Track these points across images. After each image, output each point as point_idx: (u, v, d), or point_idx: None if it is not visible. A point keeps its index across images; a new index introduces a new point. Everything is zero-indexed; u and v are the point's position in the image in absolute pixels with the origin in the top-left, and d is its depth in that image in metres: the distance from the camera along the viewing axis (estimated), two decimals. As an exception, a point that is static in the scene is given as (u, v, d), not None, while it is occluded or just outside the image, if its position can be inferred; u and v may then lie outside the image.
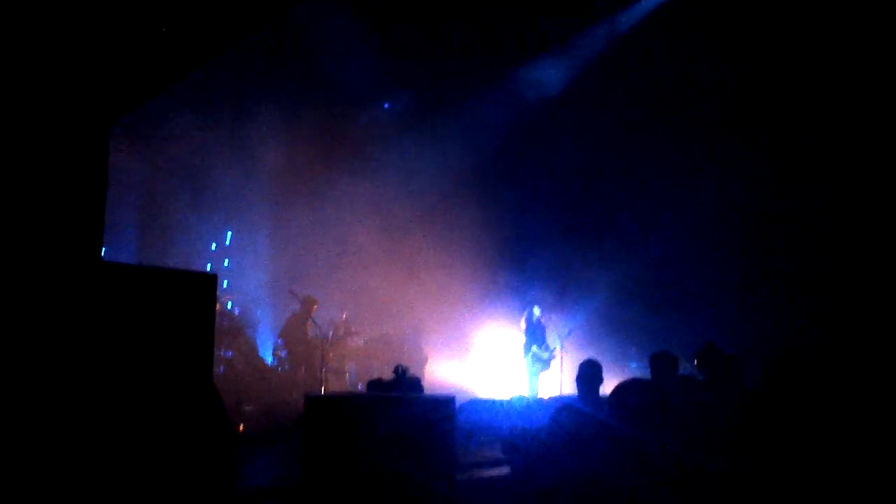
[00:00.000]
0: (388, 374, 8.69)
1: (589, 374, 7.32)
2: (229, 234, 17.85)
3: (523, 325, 15.31)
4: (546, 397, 13.27)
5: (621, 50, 16.79)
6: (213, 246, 17.68)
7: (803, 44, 14.63)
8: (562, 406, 6.18)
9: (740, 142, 15.97)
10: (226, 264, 17.52)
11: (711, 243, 16.57)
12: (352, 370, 15.31)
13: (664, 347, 8.47)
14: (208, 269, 16.36)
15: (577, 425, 5.78)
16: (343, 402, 5.73)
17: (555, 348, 15.07)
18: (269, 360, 15.04)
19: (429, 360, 16.04)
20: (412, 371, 8.90)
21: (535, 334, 15.13)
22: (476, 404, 11.67)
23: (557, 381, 14.76)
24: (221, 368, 13.35)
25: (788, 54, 14.89)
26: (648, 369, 8.36)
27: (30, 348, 4.53)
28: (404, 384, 8.09)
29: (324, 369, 13.91)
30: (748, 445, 5.72)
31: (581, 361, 7.60)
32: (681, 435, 5.73)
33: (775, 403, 6.04)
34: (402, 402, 5.73)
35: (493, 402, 11.69)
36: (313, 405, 5.38)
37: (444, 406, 5.53)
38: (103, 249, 14.62)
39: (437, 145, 17.27)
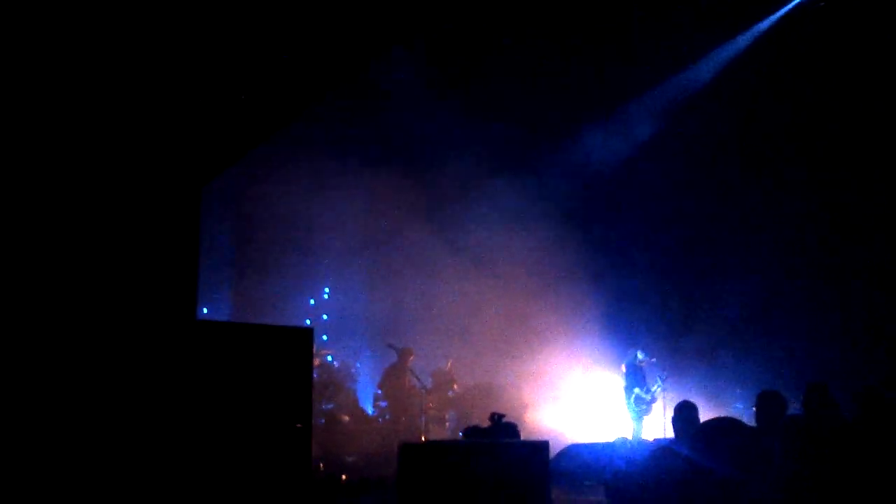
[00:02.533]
0: (486, 422, 8.67)
1: (684, 417, 7.19)
2: (326, 289, 18.10)
3: (624, 368, 15.16)
4: (649, 440, 13.05)
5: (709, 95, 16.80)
6: (312, 301, 17.94)
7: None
8: (659, 449, 6.07)
9: (826, 176, 15.84)
10: (324, 318, 17.75)
11: (812, 285, 16.32)
12: (452, 418, 15.29)
13: (769, 388, 8.27)
14: (307, 323, 16.60)
15: (675, 468, 5.67)
16: (435, 449, 5.75)
17: (656, 390, 14.85)
18: (369, 410, 15.15)
19: (529, 407, 15.92)
20: (510, 417, 8.85)
21: (636, 377, 14.95)
22: (578, 448, 11.55)
23: (660, 423, 14.51)
24: (322, 420, 13.49)
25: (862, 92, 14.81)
26: (754, 409, 8.17)
27: (132, 408, 4.66)
28: (500, 431, 8.05)
29: (423, 418, 13.94)
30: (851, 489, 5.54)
31: (677, 404, 7.48)
32: (782, 477, 5.57)
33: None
34: (494, 448, 5.71)
35: (595, 445, 11.54)
36: (408, 452, 5.41)
37: (537, 451, 5.49)
38: (204, 309, 14.99)
39: (535, 190, 17.27)
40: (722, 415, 6.42)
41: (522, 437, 8.97)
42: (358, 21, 4.83)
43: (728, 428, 5.75)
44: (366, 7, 4.81)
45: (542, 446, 5.56)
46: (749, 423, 9.78)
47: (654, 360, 15.46)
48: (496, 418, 8.30)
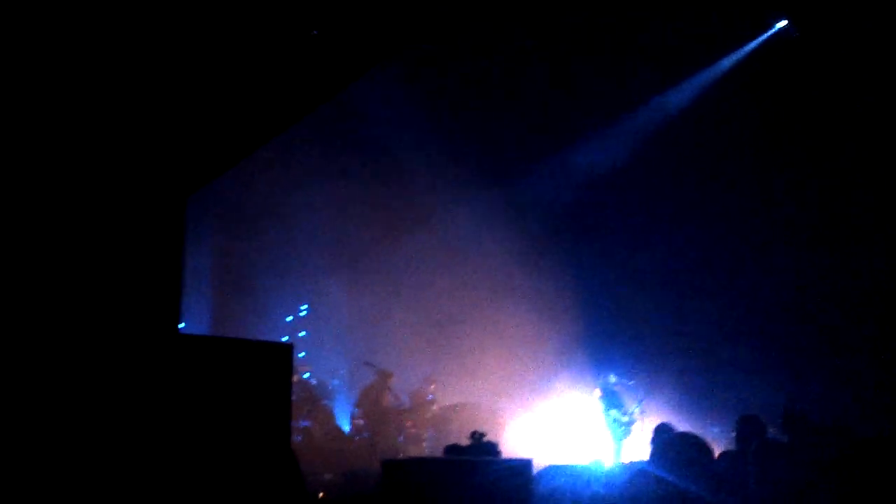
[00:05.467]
0: (465, 440, 8.64)
1: (662, 439, 7.20)
2: (304, 305, 18.06)
3: (597, 392, 15.17)
4: (627, 462, 13.05)
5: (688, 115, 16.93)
6: (290, 318, 17.89)
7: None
8: (637, 472, 6.07)
9: (810, 200, 16.01)
10: (301, 335, 17.70)
11: (793, 308, 16.43)
12: (430, 437, 15.25)
13: (747, 411, 8.33)
14: (284, 340, 16.54)
15: (652, 491, 5.67)
16: (419, 466, 5.72)
17: (633, 412, 14.86)
18: (346, 428, 15.09)
19: (508, 426, 15.90)
20: (490, 436, 8.83)
21: (612, 400, 14.96)
22: (556, 470, 11.51)
23: (640, 445, 14.51)
24: (299, 438, 13.43)
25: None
26: (732, 433, 8.22)
27: (108, 421, 4.61)
28: (481, 450, 8.03)
29: (402, 437, 13.89)
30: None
31: (656, 426, 7.51)
32: (757, 500, 5.59)
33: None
34: (477, 466, 5.69)
35: (573, 468, 11.52)
36: (391, 469, 5.38)
37: (520, 470, 5.47)
38: (181, 324, 14.87)
39: (506, 212, 17.33)
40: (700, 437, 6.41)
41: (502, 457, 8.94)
42: (354, 33, 4.84)
43: (702, 448, 5.75)
44: (360, 20, 4.82)
45: (526, 465, 5.55)
46: (728, 447, 9.83)
47: (631, 382, 15.48)
48: (477, 436, 8.28)
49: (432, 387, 15.81)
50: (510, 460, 6.32)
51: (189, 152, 5.14)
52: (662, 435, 8.21)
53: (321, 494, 10.75)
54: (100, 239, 4.81)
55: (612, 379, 15.14)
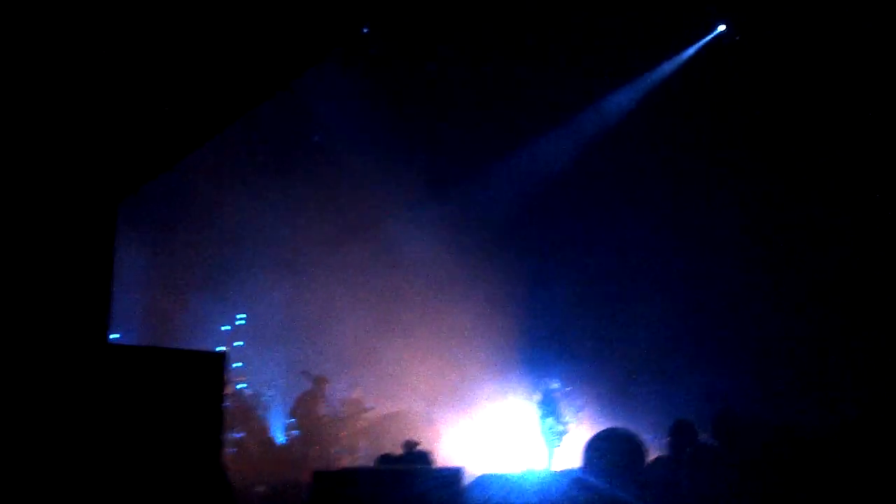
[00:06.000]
0: (400, 450, 8.64)
1: (595, 447, 7.24)
2: (243, 315, 17.88)
3: (537, 398, 15.20)
4: (559, 471, 13.10)
5: (632, 120, 17.09)
6: (227, 327, 17.69)
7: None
8: (572, 481, 6.11)
9: (758, 210, 16.26)
10: (237, 345, 17.51)
11: (727, 313, 16.63)
12: (364, 447, 15.18)
13: (681, 417, 8.42)
14: (220, 349, 16.34)
15: (585, 499, 5.70)
16: (350, 476, 5.70)
17: (569, 422, 14.92)
18: (280, 439, 14.96)
19: (442, 435, 15.89)
20: (424, 446, 8.84)
21: (550, 407, 15.00)
22: (489, 479, 11.51)
23: (573, 454, 14.58)
24: (233, 449, 13.28)
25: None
26: (665, 440, 8.30)
27: (34, 430, 4.52)
28: (414, 459, 8.04)
29: (335, 448, 13.81)
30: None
31: (594, 435, 7.53)
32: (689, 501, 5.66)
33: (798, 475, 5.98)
34: (408, 475, 5.69)
35: (508, 476, 11.54)
36: (321, 480, 5.35)
37: (451, 479, 5.48)
38: (115, 335, 14.62)
39: (449, 218, 17.34)
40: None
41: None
42: (291, 31, 4.80)
43: (633, 451, 5.80)
44: (300, 17, 4.77)
45: (456, 472, 5.56)
46: (662, 453, 9.93)
47: (569, 389, 15.56)
48: (410, 446, 8.29)
49: (356, 393, 15.72)
50: (441, 469, 6.33)
51: (120, 156, 5.05)
52: (595, 444, 8.24)
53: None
54: (27, 245, 4.72)
55: (555, 385, 15.19)
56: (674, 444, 7.98)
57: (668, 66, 16.82)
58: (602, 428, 8.32)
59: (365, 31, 14.25)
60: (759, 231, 16.29)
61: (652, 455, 9.63)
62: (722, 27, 16.00)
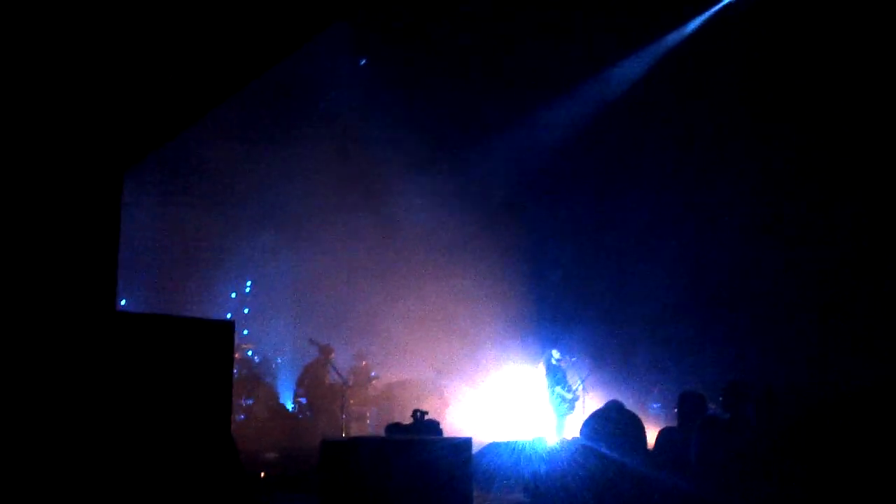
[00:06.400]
0: (407, 419, 8.64)
1: (603, 416, 7.25)
2: (249, 282, 17.89)
3: (542, 367, 15.19)
4: (569, 439, 13.13)
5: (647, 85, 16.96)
6: (233, 294, 17.72)
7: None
8: (579, 448, 6.11)
9: (763, 181, 16.13)
10: (245, 312, 17.54)
11: (733, 283, 16.60)
12: (372, 415, 15.23)
13: (687, 387, 8.41)
14: (228, 317, 16.37)
15: (596, 466, 5.70)
16: (359, 446, 5.70)
17: (577, 389, 14.93)
18: (289, 406, 15.01)
19: (451, 404, 15.94)
20: (432, 415, 8.84)
21: (556, 376, 14.99)
22: (498, 447, 11.55)
23: (581, 422, 14.59)
24: (242, 416, 13.33)
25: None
26: (674, 409, 8.29)
27: (45, 399, 4.51)
28: (422, 428, 8.04)
29: (344, 415, 13.85)
30: (778, 486, 5.63)
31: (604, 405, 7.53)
32: (699, 474, 5.65)
33: (808, 443, 5.95)
34: (417, 445, 5.68)
35: (516, 444, 11.58)
36: (330, 449, 5.35)
37: (460, 449, 5.48)
38: (122, 301, 14.67)
39: (454, 187, 17.29)
40: (640, 416, 6.45)
41: (444, 435, 8.96)
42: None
43: (631, 420, 5.80)
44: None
45: (466, 443, 5.55)
46: (670, 424, 9.94)
47: (574, 359, 15.55)
48: (418, 415, 8.29)
49: (364, 363, 15.77)
50: (449, 439, 6.33)
51: (125, 125, 5.01)
52: (603, 413, 8.26)
53: (262, 474, 10.69)
54: (34, 216, 4.69)
55: (556, 355, 15.15)
56: (681, 414, 7.96)
57: (674, 36, 16.60)
58: (609, 397, 8.36)
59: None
60: (766, 200, 16.19)
61: (660, 425, 9.66)
62: None
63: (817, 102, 15.12)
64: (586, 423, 7.10)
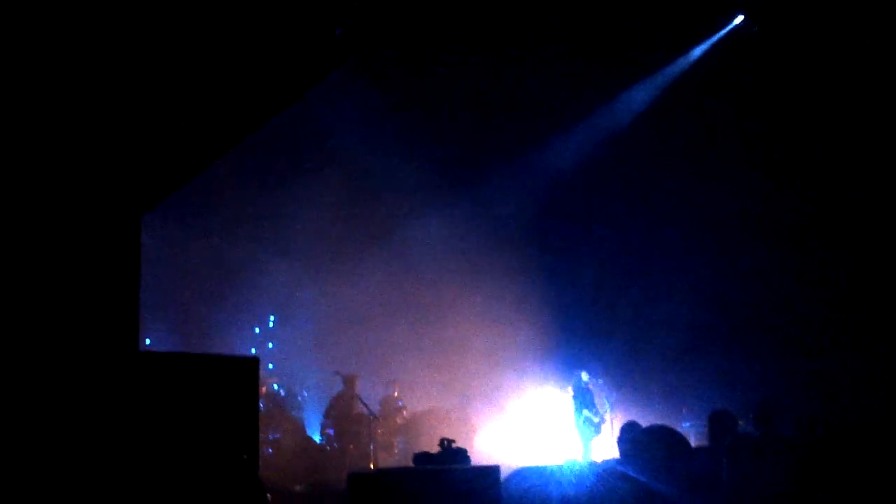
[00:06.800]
0: (435, 447, 8.61)
1: (628, 438, 7.20)
2: (272, 317, 17.94)
3: (571, 390, 15.15)
4: (598, 461, 13.05)
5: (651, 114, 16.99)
6: (257, 329, 17.76)
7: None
8: (606, 471, 6.05)
9: (774, 201, 16.13)
10: (270, 347, 17.57)
11: (761, 310, 16.57)
12: (400, 445, 15.18)
13: (716, 406, 8.35)
14: (252, 352, 16.40)
15: (622, 489, 5.65)
16: (385, 478, 5.68)
17: (605, 412, 14.86)
18: (317, 439, 14.99)
19: (478, 430, 15.88)
20: (459, 442, 8.79)
21: (585, 399, 14.94)
22: (527, 472, 11.47)
23: (610, 444, 14.52)
24: (270, 450, 13.32)
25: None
26: (703, 429, 8.23)
27: (73, 442, 4.53)
28: (450, 456, 8.00)
29: (372, 445, 13.81)
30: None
31: (623, 424, 7.50)
32: (732, 495, 5.60)
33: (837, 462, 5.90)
34: (444, 474, 5.66)
35: (545, 468, 11.49)
36: (357, 482, 5.34)
37: (487, 476, 5.46)
38: (147, 341, 14.74)
39: (470, 216, 17.34)
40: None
41: (472, 462, 8.92)
42: (304, 44, 4.78)
43: (674, 445, 5.74)
44: (314, 29, 4.75)
45: (493, 470, 5.53)
46: (699, 443, 9.86)
47: (600, 381, 15.49)
48: (446, 444, 8.25)
49: (396, 392, 15.77)
50: (477, 467, 6.30)
51: (142, 169, 5.06)
52: (631, 433, 8.22)
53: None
54: (54, 259, 4.73)
55: (585, 377, 15.13)
56: (712, 435, 7.91)
57: (682, 62, 16.63)
58: (634, 419, 8.30)
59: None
60: (782, 225, 16.17)
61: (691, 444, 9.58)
62: (740, 18, 15.72)
63: (830, 125, 15.13)
64: (621, 444, 7.05)
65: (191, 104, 4.85)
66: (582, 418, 14.80)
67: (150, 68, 4.66)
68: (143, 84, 4.67)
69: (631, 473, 6.10)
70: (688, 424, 15.84)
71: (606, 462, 11.67)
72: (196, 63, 4.73)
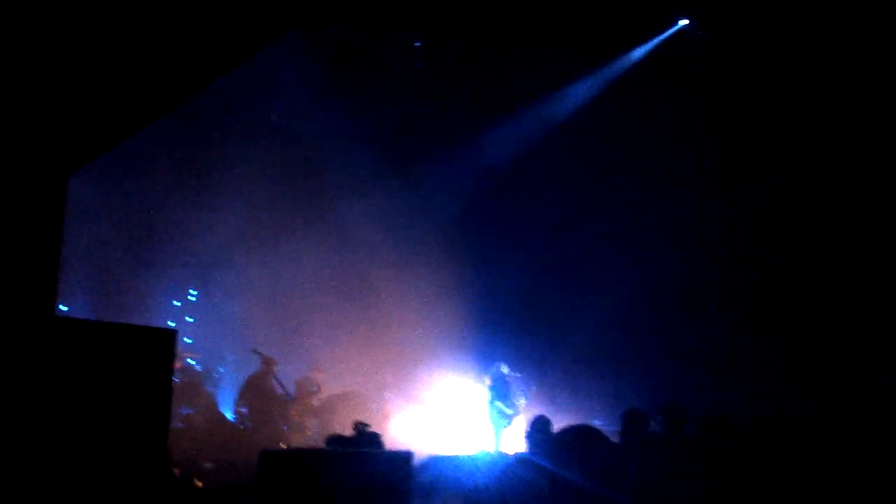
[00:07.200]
0: (349, 431, 8.62)
1: (539, 430, 7.36)
2: (194, 291, 17.73)
3: (488, 381, 15.27)
4: (509, 453, 13.19)
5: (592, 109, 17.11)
6: (177, 303, 17.54)
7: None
8: (517, 461, 6.16)
9: (715, 200, 16.40)
10: (189, 320, 17.37)
11: (674, 306, 16.83)
12: (314, 427, 15.13)
13: (628, 405, 8.53)
14: (170, 325, 16.19)
15: (534, 480, 5.75)
16: (298, 458, 5.67)
17: (519, 405, 15.02)
18: (229, 416, 14.87)
19: (392, 417, 15.90)
20: (374, 427, 8.83)
21: (500, 390, 15.08)
22: (439, 460, 11.53)
23: (522, 436, 14.68)
24: (180, 425, 13.18)
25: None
26: (613, 427, 8.41)
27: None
28: (364, 440, 8.03)
29: (286, 427, 13.75)
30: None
31: (532, 418, 7.67)
32: (641, 492, 5.72)
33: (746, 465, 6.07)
34: (358, 458, 5.68)
35: (457, 458, 11.58)
36: (268, 460, 5.31)
37: (400, 462, 5.48)
38: (61, 307, 14.40)
39: (404, 203, 17.33)
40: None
41: (386, 448, 8.95)
42: (244, 9, 4.73)
43: (587, 438, 5.87)
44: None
45: (406, 456, 5.55)
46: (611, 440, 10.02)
47: (519, 375, 15.64)
48: (360, 428, 8.27)
49: (321, 375, 15.70)
50: (390, 452, 6.33)
51: (69, 131, 4.97)
52: (538, 426, 8.40)
53: (199, 483, 10.56)
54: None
55: (504, 369, 15.27)
56: (625, 431, 8.09)
57: (628, 59, 16.79)
58: (545, 413, 8.48)
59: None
60: (711, 228, 16.46)
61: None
62: (685, 21, 15.95)
63: (772, 127, 15.44)
64: (529, 435, 7.17)
65: (123, 65, 4.77)
66: (495, 410, 14.94)
67: (83, 23, 4.57)
68: (73, 39, 4.58)
69: (540, 463, 6.21)
70: (599, 423, 16.07)
71: (518, 453, 11.82)
72: (129, 22, 4.65)
